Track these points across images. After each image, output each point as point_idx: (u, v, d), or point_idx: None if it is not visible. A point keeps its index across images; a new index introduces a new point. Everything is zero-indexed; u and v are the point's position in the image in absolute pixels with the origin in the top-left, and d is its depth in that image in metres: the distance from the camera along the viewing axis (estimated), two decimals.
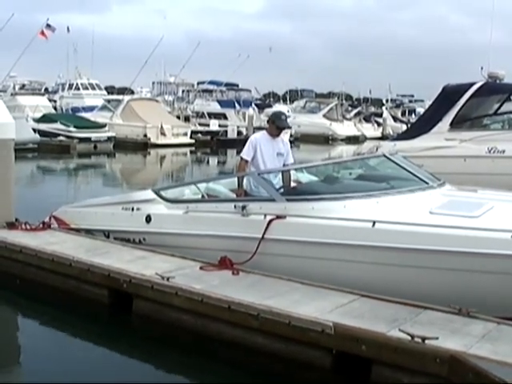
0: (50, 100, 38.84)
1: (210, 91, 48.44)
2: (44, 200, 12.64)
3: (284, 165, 7.19)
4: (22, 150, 19.67)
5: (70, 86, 44.51)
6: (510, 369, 3.94)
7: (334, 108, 43.94)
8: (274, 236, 6.11)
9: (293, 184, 7.08)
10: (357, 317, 4.86)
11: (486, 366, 3.97)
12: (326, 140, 40.07)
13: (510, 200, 6.40)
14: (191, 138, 32.96)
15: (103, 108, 34.30)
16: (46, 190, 16.97)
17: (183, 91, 50.59)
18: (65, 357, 5.31)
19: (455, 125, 10.60)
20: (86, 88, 44.00)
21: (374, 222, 5.66)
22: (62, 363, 5.15)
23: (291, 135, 30.63)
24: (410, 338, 4.34)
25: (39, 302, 6.72)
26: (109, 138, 29.02)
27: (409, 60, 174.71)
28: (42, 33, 33.16)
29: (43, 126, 28.12)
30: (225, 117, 40.51)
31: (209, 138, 34.40)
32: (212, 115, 40.55)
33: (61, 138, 27.82)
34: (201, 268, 6.23)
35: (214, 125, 37.28)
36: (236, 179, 7.17)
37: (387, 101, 63.79)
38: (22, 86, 47.59)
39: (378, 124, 45.44)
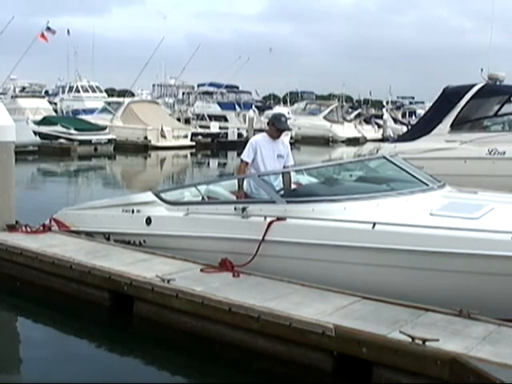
0: (50, 102, 39.02)
1: (211, 93, 48.59)
2: (44, 202, 12.64)
3: (284, 167, 7.20)
4: (22, 153, 19.68)
5: (71, 89, 44.59)
6: (510, 371, 3.93)
7: (334, 110, 44.05)
8: (275, 238, 6.10)
9: (293, 186, 7.08)
10: (357, 319, 4.86)
11: (487, 368, 3.97)
12: (327, 142, 40.17)
13: (511, 202, 6.40)
14: (191, 140, 32.91)
15: (104, 110, 34.28)
16: (47, 193, 16.96)
17: (183, 93, 50.77)
18: (65, 359, 5.31)
19: (455, 126, 10.61)
20: (87, 90, 44.11)
21: (374, 224, 5.65)
22: (62, 365, 5.15)
23: (291, 137, 30.62)
24: (410, 340, 4.33)
25: (40, 305, 6.70)
26: (109, 141, 29.07)
27: (409, 62, 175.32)
28: (43, 35, 33.19)
29: (43, 129, 28.18)
30: (225, 119, 40.63)
31: (209, 140, 34.34)
32: (212, 117, 40.67)
33: (61, 140, 27.80)
34: (201, 270, 6.23)
35: (215, 127, 37.35)
36: (236, 181, 7.18)
37: (387, 103, 63.82)
38: (23, 89, 47.78)
39: (379, 126, 45.43)
